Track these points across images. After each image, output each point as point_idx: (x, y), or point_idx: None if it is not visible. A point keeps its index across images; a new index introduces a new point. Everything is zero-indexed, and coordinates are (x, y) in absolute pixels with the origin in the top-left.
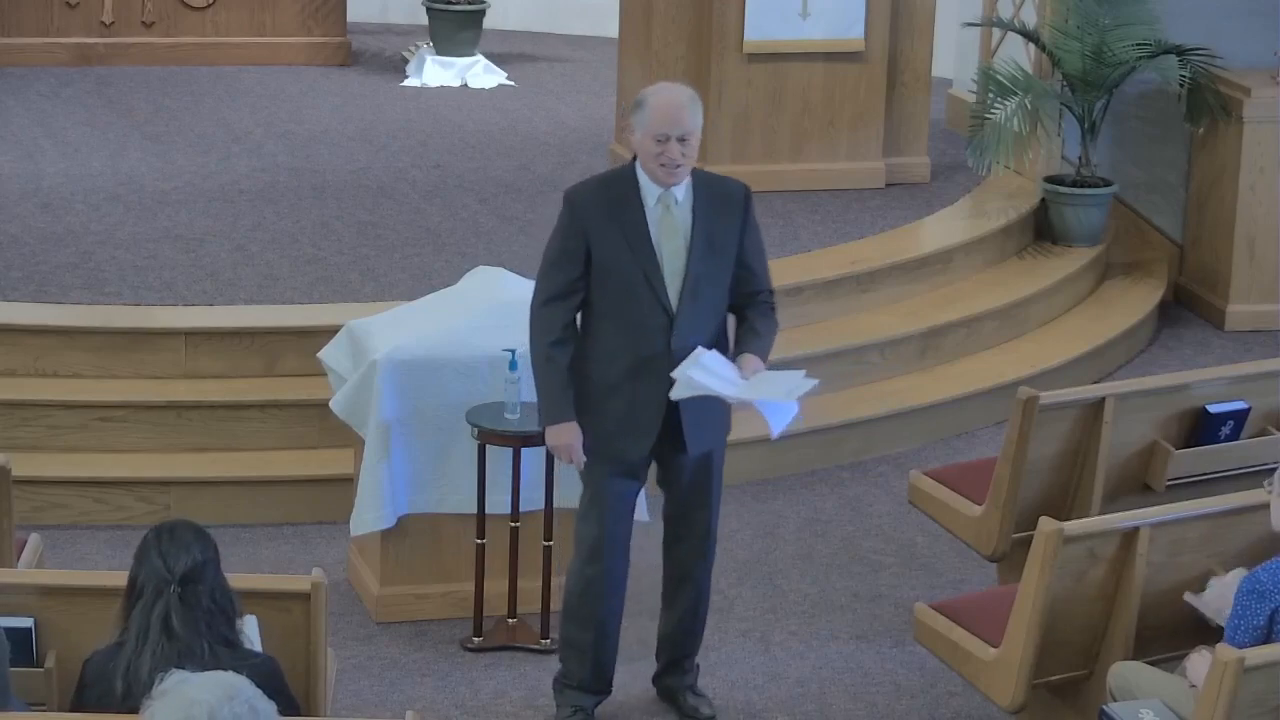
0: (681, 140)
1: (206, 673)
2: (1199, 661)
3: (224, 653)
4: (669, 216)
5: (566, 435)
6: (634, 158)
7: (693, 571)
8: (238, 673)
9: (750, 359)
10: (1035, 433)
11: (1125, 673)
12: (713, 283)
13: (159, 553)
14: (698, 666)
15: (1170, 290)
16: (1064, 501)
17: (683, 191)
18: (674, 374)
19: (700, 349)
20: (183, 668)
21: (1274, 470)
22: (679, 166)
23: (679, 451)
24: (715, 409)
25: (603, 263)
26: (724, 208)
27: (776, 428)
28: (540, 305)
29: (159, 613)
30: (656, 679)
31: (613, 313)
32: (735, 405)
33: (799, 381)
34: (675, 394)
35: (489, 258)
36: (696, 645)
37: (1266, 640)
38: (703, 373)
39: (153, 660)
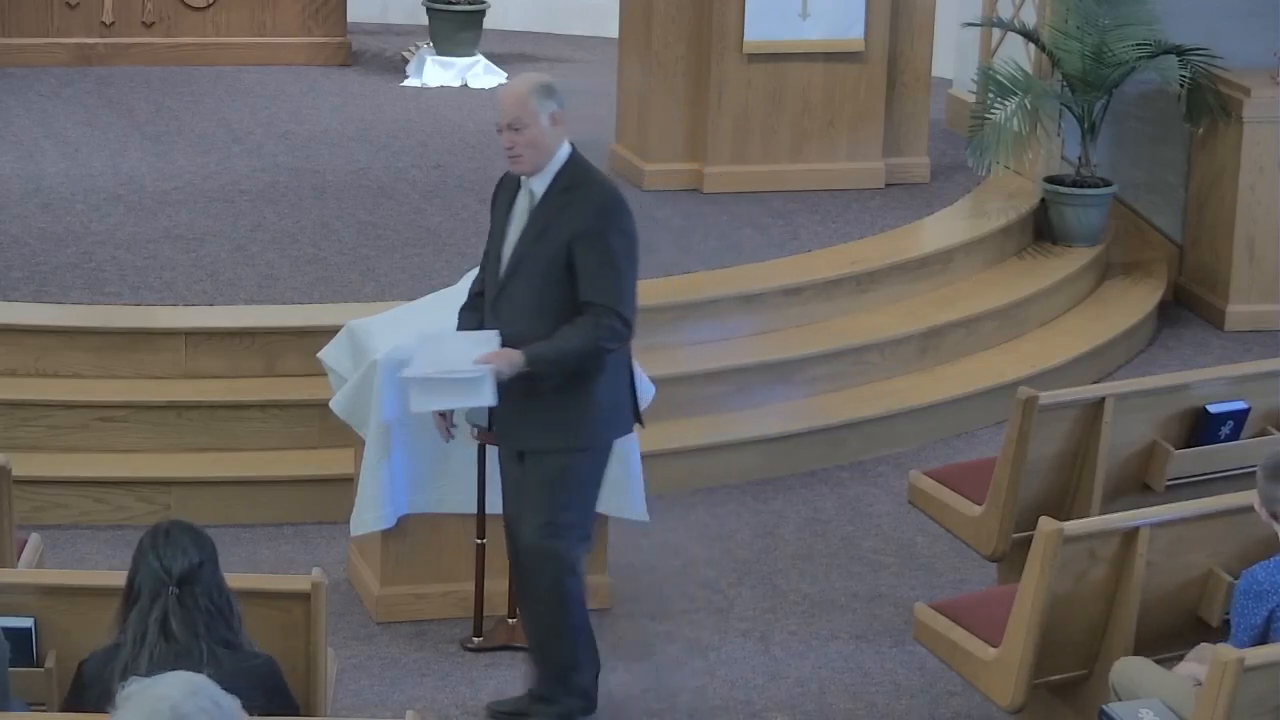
0: (512, 129)
1: (168, 673)
2: (1193, 668)
3: (223, 654)
4: (524, 203)
5: None
6: None
7: (520, 597)
8: (238, 674)
9: (504, 352)
10: (1035, 433)
11: (1128, 669)
12: (536, 271)
13: (155, 555)
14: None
15: (1170, 290)
16: (1064, 501)
17: (541, 182)
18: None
19: (486, 332)
20: (181, 670)
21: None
22: (519, 156)
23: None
24: (539, 408)
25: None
26: (569, 206)
27: (415, 405)
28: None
29: (156, 615)
30: None
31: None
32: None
33: (467, 371)
34: None
35: None
36: (539, 677)
37: (1264, 639)
38: (421, 346)
39: (150, 662)
